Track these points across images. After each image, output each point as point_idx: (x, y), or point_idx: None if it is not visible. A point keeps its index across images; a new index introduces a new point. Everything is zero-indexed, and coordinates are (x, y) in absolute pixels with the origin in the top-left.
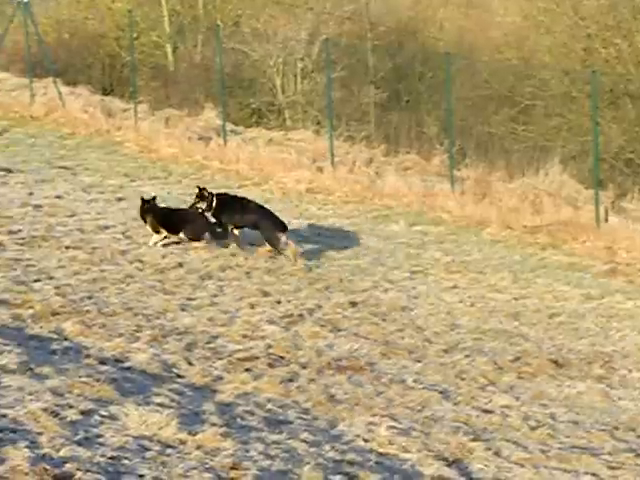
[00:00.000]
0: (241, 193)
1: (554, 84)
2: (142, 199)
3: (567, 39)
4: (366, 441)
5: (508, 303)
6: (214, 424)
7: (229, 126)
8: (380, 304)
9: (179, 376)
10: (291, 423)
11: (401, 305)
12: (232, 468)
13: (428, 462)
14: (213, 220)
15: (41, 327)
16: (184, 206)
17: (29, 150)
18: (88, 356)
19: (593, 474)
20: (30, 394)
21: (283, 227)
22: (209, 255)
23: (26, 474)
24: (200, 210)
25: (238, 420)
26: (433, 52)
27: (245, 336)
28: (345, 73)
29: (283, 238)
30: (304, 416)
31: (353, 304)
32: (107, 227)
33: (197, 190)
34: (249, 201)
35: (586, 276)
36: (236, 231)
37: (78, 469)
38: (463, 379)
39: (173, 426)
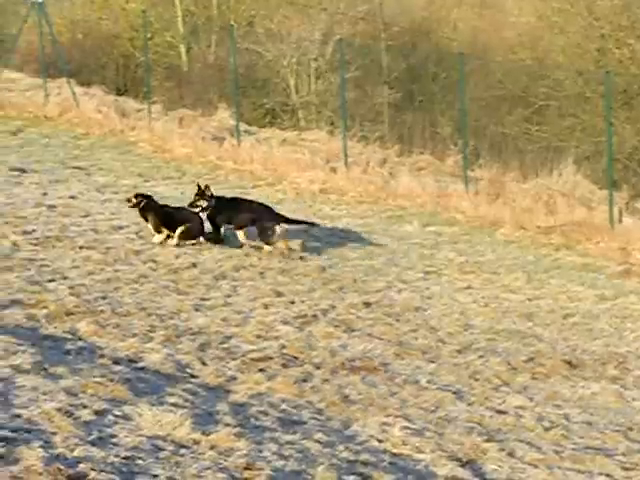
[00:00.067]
0: (255, 193)
1: (568, 84)
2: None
3: (581, 39)
4: (380, 441)
5: (522, 304)
6: (228, 424)
7: (243, 126)
8: (394, 304)
9: (193, 376)
10: (305, 423)
11: (415, 305)
12: (246, 468)
13: (442, 462)
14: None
15: (55, 327)
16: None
17: (43, 150)
18: (102, 356)
19: (607, 475)
20: (44, 394)
21: (278, 219)
22: (223, 255)
23: (40, 474)
24: (200, 208)
25: (252, 420)
26: (447, 52)
27: (259, 336)
28: (359, 73)
29: (278, 230)
30: (318, 416)
31: (367, 304)
32: (121, 227)
33: (198, 188)
34: (244, 200)
35: (600, 277)
36: (241, 232)
37: (92, 469)
38: (477, 380)
39: (187, 426)
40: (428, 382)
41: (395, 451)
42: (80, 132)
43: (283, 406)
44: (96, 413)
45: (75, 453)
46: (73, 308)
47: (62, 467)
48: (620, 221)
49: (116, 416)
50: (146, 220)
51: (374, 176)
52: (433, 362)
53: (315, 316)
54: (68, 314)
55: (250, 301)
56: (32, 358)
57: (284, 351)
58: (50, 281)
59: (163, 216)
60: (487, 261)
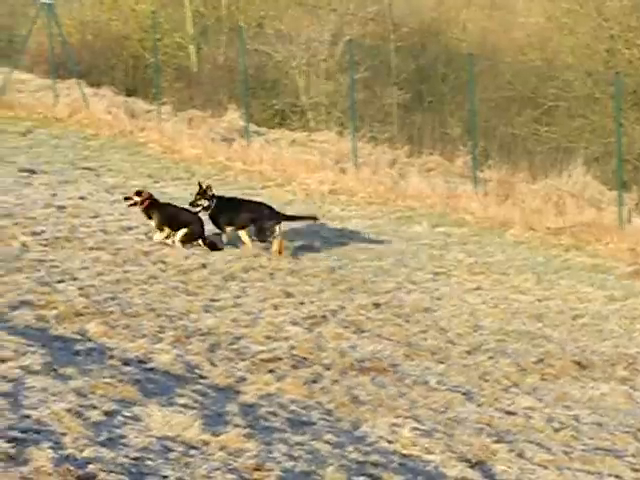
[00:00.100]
0: (264, 194)
1: (577, 85)
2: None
3: (590, 40)
4: (389, 442)
5: (531, 304)
6: (237, 425)
7: (252, 127)
8: (403, 305)
9: (202, 377)
10: (314, 424)
11: (424, 306)
12: (255, 469)
13: (451, 464)
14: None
15: (65, 328)
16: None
17: (53, 151)
18: (112, 357)
19: (617, 476)
20: (54, 395)
21: (279, 218)
22: (232, 256)
23: (50, 475)
24: (201, 207)
25: (261, 421)
26: (456, 53)
27: (268, 337)
28: (368, 74)
29: (278, 230)
30: (327, 417)
31: (376, 305)
32: (130, 228)
33: (199, 187)
34: (244, 200)
35: (609, 277)
36: (243, 232)
37: (102, 470)
38: (486, 380)
39: (196, 427)
40: (438, 383)
41: (405, 452)
42: (90, 133)
43: (293, 407)
44: (106, 414)
45: (85, 454)
46: (83, 309)
47: (72, 468)
48: (630, 222)
49: (126, 417)
50: (149, 218)
51: (383, 177)
52: (442, 363)
53: (324, 317)
54: (78, 315)
55: (259, 302)
56: (42, 359)
57: (294, 352)
58: (59, 282)
59: (167, 215)
60: (496, 262)
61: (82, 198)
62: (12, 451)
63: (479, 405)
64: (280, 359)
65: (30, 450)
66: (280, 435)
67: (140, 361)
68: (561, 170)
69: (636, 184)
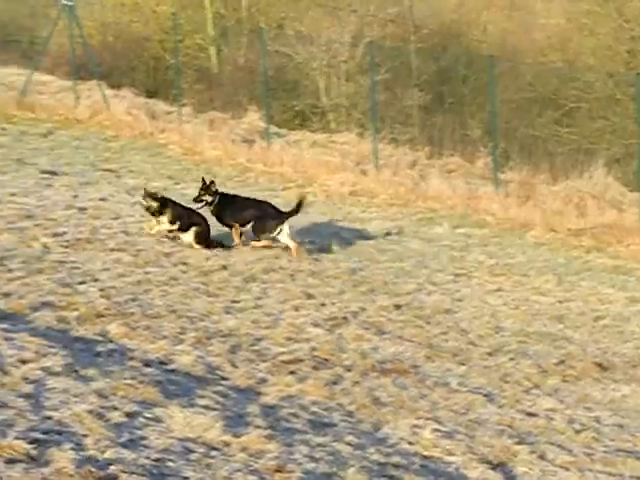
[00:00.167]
0: (285, 196)
1: (598, 86)
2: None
3: (611, 41)
4: (410, 444)
5: (552, 306)
6: (258, 426)
7: (273, 129)
8: (424, 307)
9: (223, 378)
10: (335, 426)
11: (445, 308)
12: (277, 470)
13: (472, 465)
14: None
15: (86, 329)
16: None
17: (74, 152)
18: (132, 358)
19: (638, 478)
20: (75, 396)
21: (281, 217)
22: (253, 258)
23: (71, 476)
24: (204, 202)
25: (282, 422)
26: (477, 55)
27: (289, 339)
28: (389, 76)
29: (280, 228)
30: (348, 419)
31: (397, 307)
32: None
33: (203, 182)
34: (247, 198)
35: (630, 279)
36: (242, 229)
37: (123, 471)
38: (507, 382)
39: (217, 428)
40: (459, 384)
41: (426, 454)
42: (110, 134)
43: (314, 408)
44: (127, 415)
45: (106, 455)
46: (104, 310)
47: (93, 469)
48: None
49: (147, 418)
50: (160, 214)
51: (404, 178)
52: (464, 364)
53: (345, 318)
54: (99, 316)
55: (280, 303)
56: (63, 360)
57: (315, 353)
58: (81, 283)
59: (178, 215)
60: (517, 263)
61: (103, 199)
62: (34, 452)
63: (500, 407)
64: (301, 360)
65: (51, 451)
66: (301, 436)
67: (161, 362)
68: (582, 171)
69: None
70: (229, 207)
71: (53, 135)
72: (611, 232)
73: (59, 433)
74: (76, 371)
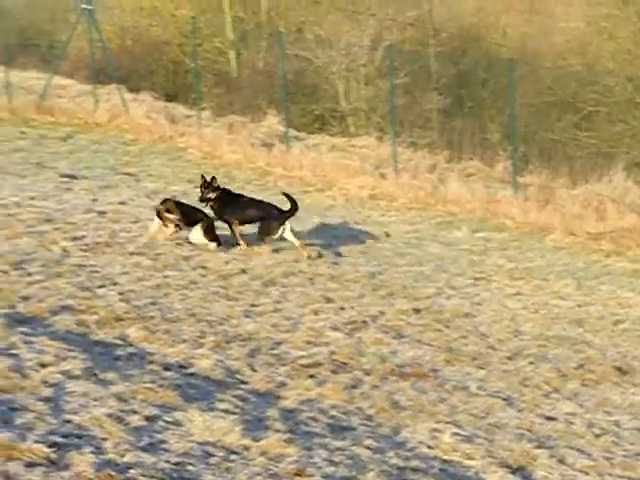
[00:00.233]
0: (304, 199)
1: (618, 90)
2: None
3: (631, 45)
4: (430, 448)
5: (572, 310)
6: (278, 430)
7: (292, 132)
8: (443, 311)
9: (243, 382)
10: (355, 429)
11: (464, 312)
12: (296, 474)
13: (492, 469)
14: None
15: (105, 333)
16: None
17: (93, 156)
18: (152, 362)
19: None
20: (95, 400)
21: (283, 218)
22: (272, 261)
23: (91, 479)
24: (209, 199)
25: (302, 426)
26: (496, 58)
27: (309, 342)
28: (408, 79)
29: (283, 228)
30: (368, 423)
31: (416, 311)
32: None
33: (204, 180)
34: (252, 198)
35: None
36: (241, 228)
37: (142, 475)
38: (527, 386)
39: (237, 432)
40: (478, 388)
41: (445, 457)
42: (129, 138)
43: (333, 412)
44: (146, 419)
45: (126, 459)
46: (123, 314)
47: (113, 473)
48: None
49: (166, 422)
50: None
51: (423, 182)
52: (483, 368)
53: (365, 322)
54: (118, 320)
55: (300, 307)
56: (82, 364)
57: (334, 357)
58: (100, 287)
59: (187, 215)
60: (537, 267)
61: (122, 203)
62: (53, 456)
63: (520, 410)
64: (320, 364)
65: (71, 455)
66: (320, 440)
67: (181, 366)
68: (601, 175)
69: None
70: (230, 204)
71: (72, 139)
72: (630, 236)
73: (79, 437)
74: (95, 375)
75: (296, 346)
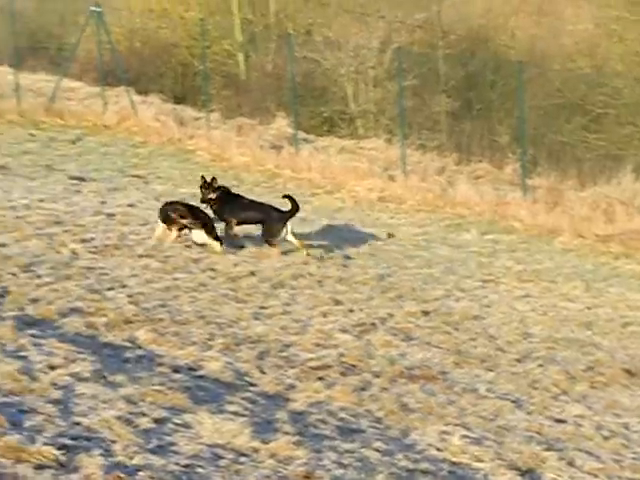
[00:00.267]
0: (313, 202)
1: (626, 92)
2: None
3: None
4: (439, 450)
5: (580, 312)
6: (287, 433)
7: (301, 135)
8: (452, 313)
9: (252, 384)
10: (364, 432)
11: (473, 314)
12: (305, 477)
13: (501, 472)
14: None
15: (114, 335)
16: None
17: (102, 159)
18: (161, 364)
19: None
20: (104, 402)
21: (284, 219)
22: (281, 264)
23: None
24: (210, 199)
25: (311, 429)
26: (505, 60)
27: (317, 345)
28: (417, 82)
29: (285, 230)
30: (377, 425)
31: (425, 313)
32: (179, 235)
33: (204, 181)
34: (252, 199)
35: None
36: (237, 228)
37: (151, 477)
38: (536, 388)
39: (246, 434)
40: (487, 391)
41: (454, 460)
42: (138, 140)
43: (342, 414)
44: (156, 421)
45: (135, 461)
46: (132, 316)
47: (122, 475)
48: None
49: (176, 424)
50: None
51: (432, 184)
52: (492, 371)
53: (374, 324)
54: (127, 322)
55: (309, 309)
56: (92, 366)
57: (343, 359)
58: (109, 289)
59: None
60: (545, 269)
61: (131, 205)
62: (62, 458)
63: (529, 413)
64: (329, 367)
65: (80, 457)
66: (330, 443)
67: (190, 368)
68: (610, 177)
69: None
70: (230, 204)
71: (81, 141)
72: (639, 238)
73: (88, 439)
74: (105, 377)
75: (305, 348)
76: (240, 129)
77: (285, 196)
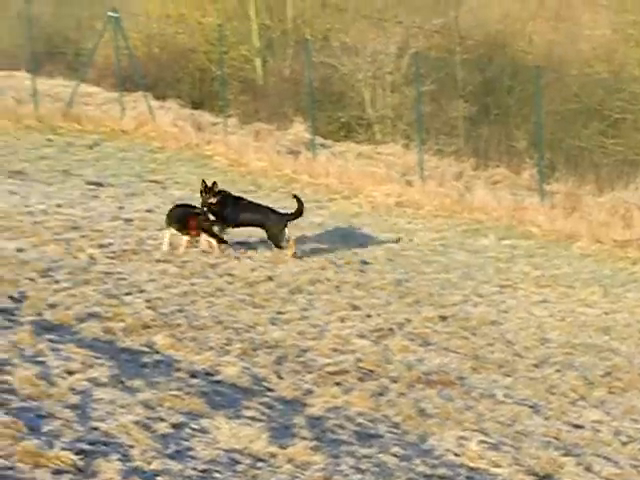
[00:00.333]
0: (331, 207)
1: None
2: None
3: None
4: (457, 455)
5: (598, 317)
6: (304, 438)
7: (318, 140)
8: (470, 318)
9: (269, 390)
10: (381, 437)
11: (491, 319)
12: None
13: (519, 477)
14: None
15: (132, 340)
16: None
17: (119, 164)
18: (179, 369)
19: None
20: (122, 407)
21: (284, 221)
22: (299, 269)
23: None
24: (211, 203)
25: (328, 434)
26: (522, 65)
27: (335, 350)
28: (434, 87)
29: (286, 232)
30: (394, 430)
31: (443, 318)
32: (197, 240)
33: (205, 186)
34: (251, 201)
35: None
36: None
37: None
38: (553, 394)
39: (264, 439)
40: (505, 396)
41: (472, 465)
42: (156, 146)
43: (359, 420)
44: (173, 426)
45: (152, 466)
46: (150, 321)
47: None
48: None
49: (193, 429)
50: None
51: (450, 189)
52: (509, 376)
53: (391, 330)
54: (145, 327)
55: (326, 315)
56: (109, 371)
57: (360, 365)
58: (127, 294)
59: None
60: (563, 275)
61: (149, 211)
62: (80, 463)
63: (546, 418)
64: (347, 372)
65: (98, 462)
66: (347, 448)
67: (207, 373)
68: (628, 182)
69: None
70: (229, 207)
71: (99, 146)
72: None
73: (106, 444)
74: (122, 382)
75: (322, 353)
76: (257, 134)
77: (294, 196)
